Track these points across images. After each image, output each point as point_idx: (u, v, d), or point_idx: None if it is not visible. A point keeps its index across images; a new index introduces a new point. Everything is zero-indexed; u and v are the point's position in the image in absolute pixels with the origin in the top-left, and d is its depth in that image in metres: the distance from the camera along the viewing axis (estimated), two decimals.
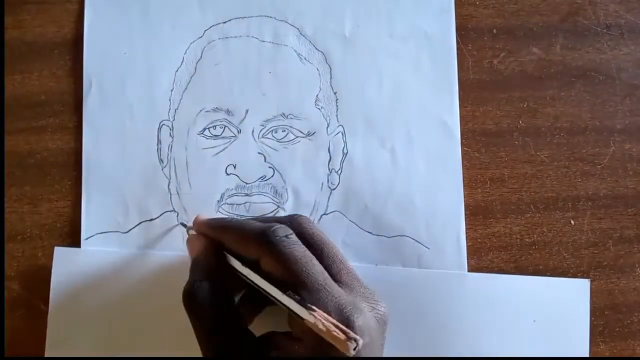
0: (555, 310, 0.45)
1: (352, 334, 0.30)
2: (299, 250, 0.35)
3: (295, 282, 0.34)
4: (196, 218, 0.40)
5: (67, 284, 0.44)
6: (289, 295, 0.33)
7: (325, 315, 0.31)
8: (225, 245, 0.38)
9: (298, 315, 0.32)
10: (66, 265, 0.44)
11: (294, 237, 0.36)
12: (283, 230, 0.35)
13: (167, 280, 0.44)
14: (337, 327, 0.31)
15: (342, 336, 0.30)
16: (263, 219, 0.40)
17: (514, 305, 0.45)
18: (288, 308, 0.33)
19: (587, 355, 0.45)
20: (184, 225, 0.44)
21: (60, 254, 0.45)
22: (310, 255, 0.35)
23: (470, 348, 0.44)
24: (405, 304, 0.44)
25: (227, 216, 0.44)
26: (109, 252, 0.45)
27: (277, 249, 0.34)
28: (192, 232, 0.41)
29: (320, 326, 0.31)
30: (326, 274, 0.35)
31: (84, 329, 0.44)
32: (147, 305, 0.44)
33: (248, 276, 0.35)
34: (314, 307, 0.32)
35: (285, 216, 0.40)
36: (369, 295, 0.35)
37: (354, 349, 0.30)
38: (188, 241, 0.40)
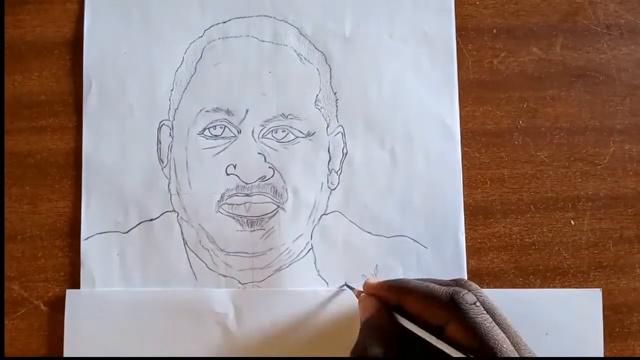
0: (567, 322, 0.44)
1: None
2: (489, 320, 0.34)
3: (485, 354, 0.33)
4: (367, 282, 0.40)
5: (80, 327, 0.44)
6: None
7: None
8: (404, 308, 0.37)
9: None
10: (79, 308, 0.44)
11: (480, 306, 0.35)
12: (471, 298, 0.35)
13: (180, 317, 0.44)
14: None
15: None
16: (433, 282, 0.38)
17: (525, 319, 0.43)
18: None
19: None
20: (351, 288, 0.44)
21: (73, 296, 0.44)
22: (496, 326, 0.34)
23: None
24: None
25: (397, 278, 0.41)
26: (119, 292, 0.44)
27: (468, 318, 0.34)
28: (361, 291, 0.41)
29: None
30: (512, 348, 0.34)
31: None
32: (162, 343, 0.44)
33: (429, 340, 0.34)
34: None
35: (451, 280, 0.38)
36: None
37: None
38: (360, 302, 0.40)
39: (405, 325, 0.36)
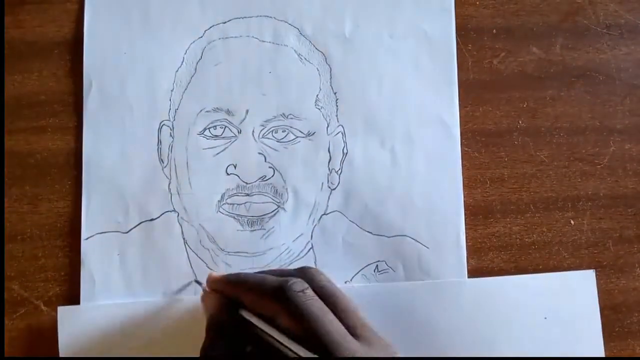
0: (564, 305, 0.45)
1: None
2: (316, 305, 0.34)
3: (313, 339, 0.33)
4: (209, 276, 0.40)
5: (73, 344, 0.43)
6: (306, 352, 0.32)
7: None
8: (243, 301, 0.37)
9: None
10: (71, 325, 0.43)
11: (310, 291, 0.35)
12: (299, 285, 0.34)
13: (176, 327, 0.44)
14: None
15: None
16: (277, 272, 0.38)
17: (523, 305, 0.44)
18: None
19: (601, 346, 0.44)
20: (199, 283, 0.44)
21: (64, 313, 0.43)
22: (327, 310, 0.34)
23: (488, 354, 0.43)
24: (408, 318, 0.44)
25: (243, 270, 0.42)
26: (112, 306, 0.44)
27: (294, 305, 0.33)
28: (206, 288, 0.41)
29: None
30: (343, 329, 0.33)
31: None
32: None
33: (267, 331, 0.34)
34: None
35: (295, 269, 0.38)
36: (385, 347, 0.34)
37: None
38: (202, 299, 0.39)
39: (252, 321, 0.35)
